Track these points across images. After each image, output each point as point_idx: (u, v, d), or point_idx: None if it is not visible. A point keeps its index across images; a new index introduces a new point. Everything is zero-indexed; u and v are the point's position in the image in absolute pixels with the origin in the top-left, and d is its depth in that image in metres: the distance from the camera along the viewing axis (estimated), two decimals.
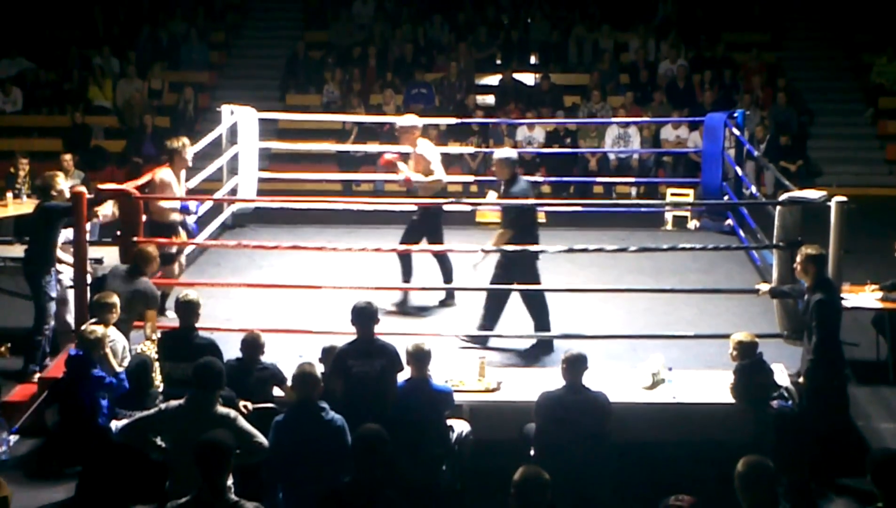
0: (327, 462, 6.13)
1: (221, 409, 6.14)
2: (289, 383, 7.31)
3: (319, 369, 7.15)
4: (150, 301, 8.07)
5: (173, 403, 6.21)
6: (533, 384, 7.20)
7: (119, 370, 7.50)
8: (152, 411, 6.38)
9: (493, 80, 18.21)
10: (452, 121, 14.74)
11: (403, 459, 6.47)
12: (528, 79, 18.17)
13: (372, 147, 15.19)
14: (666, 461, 7.19)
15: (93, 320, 7.62)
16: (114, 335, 7.67)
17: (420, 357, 6.91)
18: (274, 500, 6.32)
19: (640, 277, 10.27)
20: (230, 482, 5.73)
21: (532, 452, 6.76)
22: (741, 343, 7.32)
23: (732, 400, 7.44)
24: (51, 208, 8.82)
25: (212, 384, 6.14)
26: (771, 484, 4.75)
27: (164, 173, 9.35)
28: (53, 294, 8.91)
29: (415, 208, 9.70)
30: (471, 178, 14.82)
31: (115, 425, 7.02)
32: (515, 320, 9.09)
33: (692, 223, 12.86)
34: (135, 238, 8.57)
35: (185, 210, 9.49)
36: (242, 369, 7.07)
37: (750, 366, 7.31)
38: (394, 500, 5.30)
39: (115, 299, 7.57)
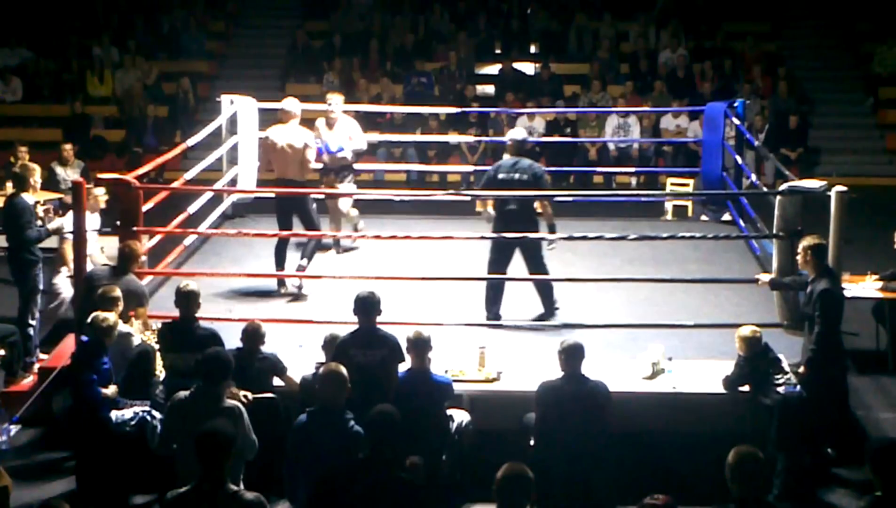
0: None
1: (229, 402, 6.13)
2: (289, 373, 7.33)
3: (321, 358, 7.19)
4: (141, 298, 8.02)
5: (180, 394, 6.20)
6: (533, 374, 7.20)
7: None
8: (166, 411, 6.33)
9: (493, 69, 18.18)
10: (452, 110, 14.72)
11: (404, 449, 6.48)
12: (529, 68, 18.14)
13: (373, 136, 15.19)
14: (665, 450, 7.20)
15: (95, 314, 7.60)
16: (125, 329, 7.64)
17: (420, 345, 6.92)
18: (295, 497, 6.26)
19: (640, 266, 10.28)
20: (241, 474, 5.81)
21: (532, 442, 6.77)
22: (745, 339, 7.34)
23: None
24: (15, 203, 8.80)
25: (218, 376, 6.13)
26: (762, 474, 4.77)
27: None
28: (41, 286, 8.90)
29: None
30: (470, 167, 14.82)
31: (115, 415, 7.03)
32: (515, 310, 9.12)
33: (703, 216, 12.80)
34: (134, 228, 8.59)
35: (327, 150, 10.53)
36: (243, 359, 7.07)
37: (754, 356, 7.33)
38: (406, 481, 5.32)
39: (119, 292, 7.56)
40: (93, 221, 9.05)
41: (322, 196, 10.81)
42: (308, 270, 9.63)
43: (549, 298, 9.09)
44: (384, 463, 5.29)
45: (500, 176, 8.99)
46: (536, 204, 9.16)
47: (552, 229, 9.01)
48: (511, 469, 4.76)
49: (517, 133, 9.47)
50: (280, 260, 9.80)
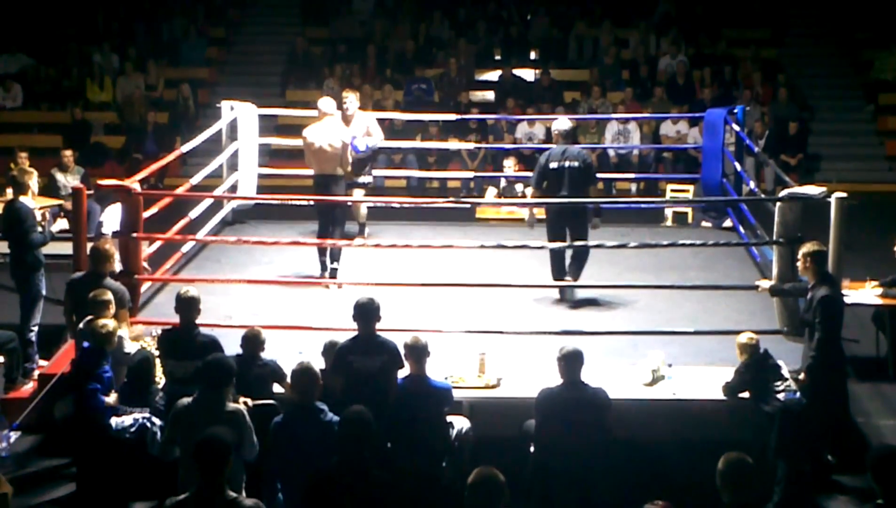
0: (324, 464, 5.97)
1: (231, 405, 6.14)
2: (289, 379, 7.32)
3: (320, 365, 7.18)
4: (121, 301, 7.93)
5: (183, 401, 6.18)
6: (533, 381, 7.18)
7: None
8: (169, 418, 6.34)
9: (493, 76, 18.21)
10: (452, 116, 14.74)
11: (403, 455, 6.47)
12: (528, 75, 18.16)
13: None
14: (665, 457, 7.20)
15: (89, 318, 7.59)
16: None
17: (417, 351, 6.90)
18: (273, 497, 6.32)
19: (641, 273, 10.27)
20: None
21: (532, 448, 6.77)
22: (742, 345, 7.36)
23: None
24: (17, 207, 8.78)
25: (221, 382, 6.14)
26: (752, 480, 4.76)
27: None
28: (44, 292, 8.87)
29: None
30: (470, 174, 14.82)
31: (115, 422, 7.02)
32: (516, 316, 9.12)
33: (703, 222, 12.80)
34: (134, 234, 8.58)
35: (355, 150, 10.60)
36: (243, 365, 7.05)
37: (754, 363, 7.33)
38: (382, 480, 5.33)
39: (110, 295, 7.54)
40: None
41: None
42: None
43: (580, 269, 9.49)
44: (361, 463, 5.28)
45: (552, 165, 9.38)
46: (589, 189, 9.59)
47: (598, 212, 9.64)
48: (481, 474, 4.72)
49: (562, 124, 9.81)
50: (322, 251, 10.12)
